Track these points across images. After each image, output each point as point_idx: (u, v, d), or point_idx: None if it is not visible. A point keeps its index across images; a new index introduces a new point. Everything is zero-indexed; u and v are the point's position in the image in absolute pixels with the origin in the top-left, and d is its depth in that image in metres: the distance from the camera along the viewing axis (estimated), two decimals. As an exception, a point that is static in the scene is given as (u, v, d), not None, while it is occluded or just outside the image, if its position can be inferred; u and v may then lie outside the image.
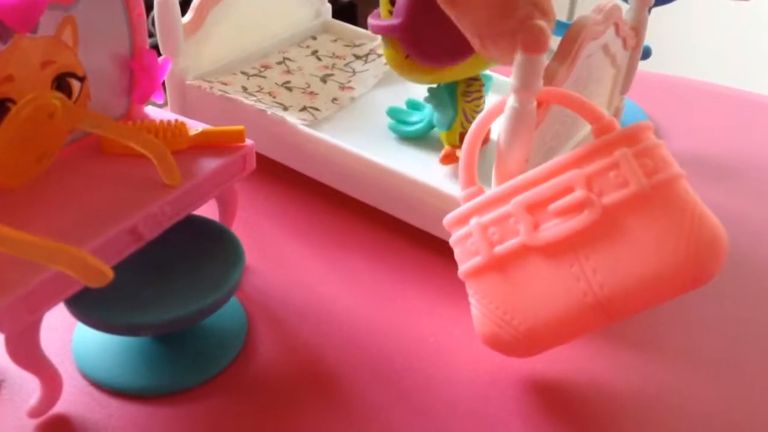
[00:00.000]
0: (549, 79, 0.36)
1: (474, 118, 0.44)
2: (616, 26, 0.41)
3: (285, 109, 0.49)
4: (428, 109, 0.48)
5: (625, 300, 0.32)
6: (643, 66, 0.55)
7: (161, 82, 0.40)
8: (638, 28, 0.44)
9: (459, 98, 0.44)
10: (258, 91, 0.50)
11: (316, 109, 0.49)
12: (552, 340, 0.34)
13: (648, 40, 0.48)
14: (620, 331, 0.40)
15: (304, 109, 0.49)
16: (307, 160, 0.47)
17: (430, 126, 0.48)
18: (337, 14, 0.60)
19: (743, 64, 1.07)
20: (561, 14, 1.44)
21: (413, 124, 0.48)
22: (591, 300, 0.32)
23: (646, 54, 0.53)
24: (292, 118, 0.46)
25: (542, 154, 0.40)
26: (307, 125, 0.46)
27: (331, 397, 0.36)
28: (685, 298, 0.35)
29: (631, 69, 0.46)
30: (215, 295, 0.35)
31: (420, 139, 0.48)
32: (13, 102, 0.33)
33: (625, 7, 0.45)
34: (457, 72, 0.43)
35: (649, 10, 0.50)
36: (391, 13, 0.42)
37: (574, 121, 0.43)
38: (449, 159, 0.45)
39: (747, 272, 0.45)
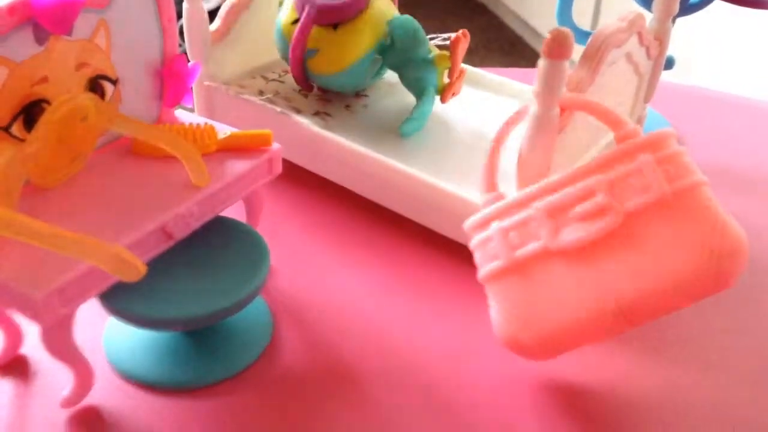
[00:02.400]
0: (572, 85, 0.37)
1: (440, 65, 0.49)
2: (640, 35, 0.41)
3: (298, 112, 0.50)
4: (421, 97, 0.49)
5: (645, 305, 0.32)
6: (667, 76, 0.55)
7: (191, 86, 0.41)
8: (661, 37, 0.45)
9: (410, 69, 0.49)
10: (274, 95, 0.51)
11: (328, 114, 0.50)
12: (571, 344, 0.35)
13: (673, 50, 0.49)
14: (641, 336, 0.40)
15: (317, 113, 0.50)
16: (326, 164, 0.48)
17: (431, 101, 0.50)
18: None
19: (768, 75, 1.06)
20: (585, 23, 1.44)
21: (414, 116, 0.49)
22: (611, 304, 0.33)
23: (670, 64, 0.53)
24: (304, 120, 0.47)
25: (564, 161, 0.40)
26: (319, 127, 0.47)
27: (353, 394, 0.36)
28: (707, 303, 0.35)
29: (654, 78, 0.47)
30: (241, 292, 0.35)
31: (434, 142, 0.49)
32: (48, 103, 0.34)
33: (648, 16, 0.45)
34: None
35: (674, 20, 0.50)
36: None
37: (599, 128, 0.43)
38: (446, 92, 0.50)
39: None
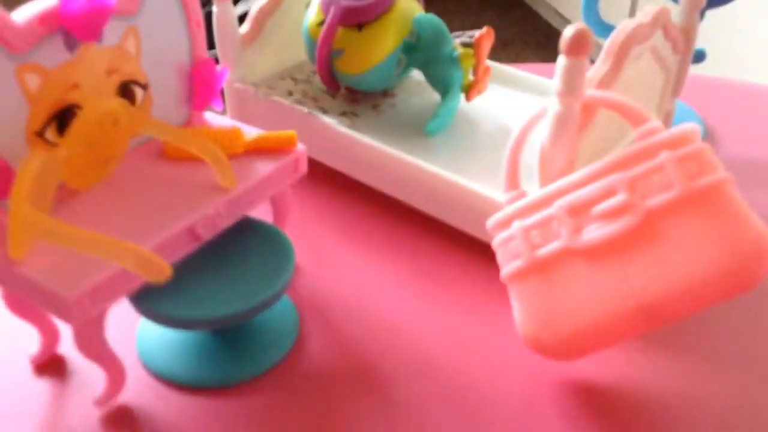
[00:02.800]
0: (594, 81, 0.37)
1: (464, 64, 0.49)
2: (665, 29, 0.41)
3: (325, 112, 0.50)
4: (446, 95, 0.50)
5: (668, 305, 0.32)
6: (698, 69, 0.54)
7: (219, 90, 0.42)
8: (689, 30, 0.44)
9: (434, 68, 0.49)
10: (303, 96, 0.52)
11: (355, 115, 0.51)
12: (594, 344, 0.35)
13: (705, 42, 0.48)
14: (666, 336, 0.39)
15: (343, 113, 0.51)
16: (352, 163, 0.48)
17: (457, 99, 0.50)
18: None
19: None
20: (622, 15, 1.42)
21: (439, 114, 0.49)
22: (633, 304, 0.32)
23: (700, 57, 0.52)
24: (330, 120, 0.48)
25: (588, 158, 0.40)
26: (345, 127, 0.48)
27: (378, 392, 0.37)
28: (736, 303, 0.34)
29: (682, 73, 0.46)
30: (267, 293, 0.36)
31: (460, 140, 0.49)
32: (80, 108, 0.35)
33: (675, 9, 0.45)
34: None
35: (703, 13, 0.49)
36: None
37: (626, 123, 0.43)
38: (471, 90, 0.50)
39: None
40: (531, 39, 1.93)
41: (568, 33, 0.33)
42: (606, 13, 0.51)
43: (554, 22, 2.00)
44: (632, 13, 1.32)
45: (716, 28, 0.69)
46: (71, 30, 0.33)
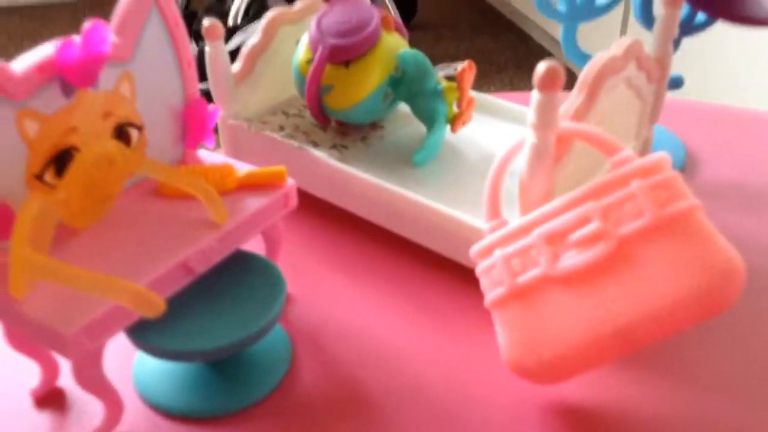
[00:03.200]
0: (569, 113, 0.38)
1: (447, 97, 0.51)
2: (638, 60, 0.42)
3: (315, 145, 0.52)
4: (432, 127, 0.51)
5: (644, 328, 0.33)
6: (680, 94, 0.56)
7: (212, 128, 0.44)
8: (663, 60, 0.46)
9: (419, 100, 0.51)
10: (294, 130, 0.54)
11: (345, 147, 0.52)
12: (576, 368, 0.36)
13: (686, 67, 0.49)
14: (646, 358, 0.41)
15: (334, 146, 0.52)
16: (342, 195, 0.50)
17: (442, 130, 0.52)
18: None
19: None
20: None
21: (425, 146, 0.51)
22: (610, 328, 0.34)
23: (677, 84, 0.54)
24: (321, 153, 0.49)
25: (568, 186, 0.41)
26: (335, 160, 0.49)
27: (370, 418, 0.38)
28: (717, 323, 0.35)
29: (658, 101, 0.47)
30: (258, 323, 0.38)
31: (447, 170, 0.51)
32: (78, 150, 0.37)
33: (649, 38, 0.46)
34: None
35: (678, 42, 0.51)
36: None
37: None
38: (456, 122, 0.52)
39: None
40: (525, 63, 1.96)
41: (540, 69, 0.34)
42: (595, 40, 0.53)
43: (547, 46, 2.03)
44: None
45: (697, 53, 0.71)
46: (68, 77, 0.34)
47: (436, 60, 2.01)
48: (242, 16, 1.85)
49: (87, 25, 0.34)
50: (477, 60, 1.98)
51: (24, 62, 0.34)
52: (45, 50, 0.35)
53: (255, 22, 1.69)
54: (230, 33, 1.68)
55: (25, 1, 2.52)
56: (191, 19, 1.95)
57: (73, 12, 2.45)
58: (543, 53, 2.00)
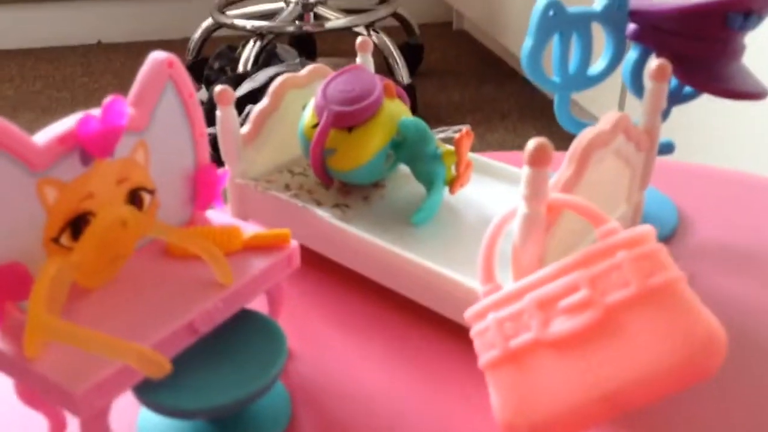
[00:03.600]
0: (559, 185, 0.40)
1: (445, 162, 0.53)
2: (626, 132, 0.44)
3: (319, 204, 0.54)
4: (431, 189, 0.53)
5: (629, 393, 0.35)
6: (672, 156, 0.58)
7: (220, 192, 0.46)
8: (651, 131, 0.48)
9: (419, 164, 0.53)
10: (299, 189, 0.56)
11: (347, 206, 0.55)
12: (565, 430, 0.37)
13: (677, 131, 0.51)
14: (633, 420, 0.42)
15: (336, 205, 0.55)
16: (344, 253, 0.52)
17: (440, 192, 0.53)
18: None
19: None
20: (611, 108, 1.47)
21: (424, 207, 0.53)
22: (598, 392, 0.35)
23: (668, 149, 0.56)
24: (323, 213, 0.52)
25: (560, 251, 0.43)
26: (337, 219, 0.51)
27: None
28: (702, 387, 0.36)
29: (647, 168, 0.50)
30: (260, 382, 0.39)
31: (445, 230, 0.53)
32: (93, 215, 0.39)
33: (638, 108, 0.49)
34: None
35: (666, 113, 0.54)
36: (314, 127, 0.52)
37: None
38: (454, 184, 0.54)
39: (770, 361, 0.46)
40: (527, 110, 2.00)
41: (530, 146, 0.36)
42: (596, 101, 0.55)
43: (549, 94, 2.07)
44: (621, 104, 1.38)
45: (688, 115, 0.73)
46: (87, 148, 0.37)
47: (441, 106, 2.04)
48: (252, 64, 1.89)
49: (106, 100, 0.37)
50: (481, 107, 2.01)
51: (46, 135, 0.36)
52: (66, 123, 0.37)
53: (264, 69, 1.73)
54: (240, 79, 1.72)
55: (40, 44, 2.58)
56: (202, 65, 2.01)
57: (84, 54, 2.51)
58: (545, 101, 2.04)
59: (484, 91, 2.11)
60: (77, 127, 0.36)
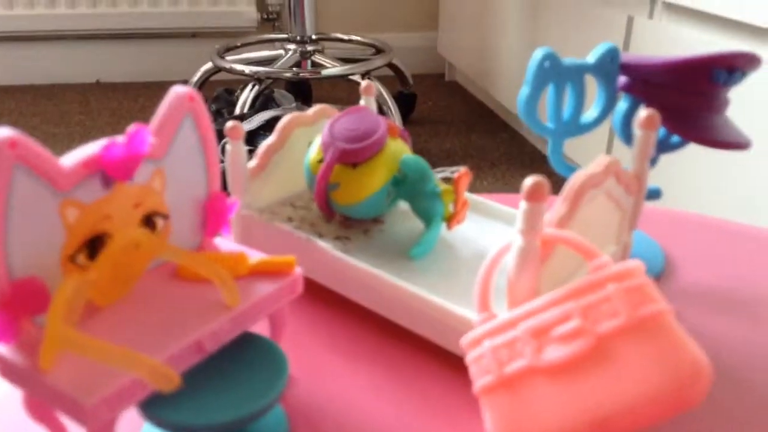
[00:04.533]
0: (553, 221, 0.43)
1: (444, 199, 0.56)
2: (617, 176, 0.47)
3: (320, 236, 0.56)
4: (429, 225, 0.55)
5: (619, 420, 0.36)
6: (660, 203, 0.61)
7: (229, 219, 0.48)
8: (640, 176, 0.51)
9: (418, 200, 0.55)
10: (301, 221, 0.58)
11: (348, 239, 0.57)
12: (556, 455, 0.38)
13: (665, 179, 0.54)
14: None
15: (337, 238, 0.57)
16: (345, 284, 0.54)
17: (438, 228, 0.55)
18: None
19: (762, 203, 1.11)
20: (599, 149, 1.52)
21: (422, 241, 0.55)
22: (588, 419, 0.37)
23: (656, 195, 0.59)
24: (325, 244, 0.54)
25: (552, 284, 0.45)
26: (338, 250, 0.53)
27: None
28: (687, 415, 0.38)
29: (636, 211, 0.52)
30: (263, 400, 0.40)
31: (442, 264, 0.55)
32: (109, 236, 0.40)
33: (624, 159, 0.51)
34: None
35: (655, 161, 0.56)
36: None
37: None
38: (451, 221, 0.56)
39: (751, 395, 0.48)
40: (516, 160, 2.04)
41: (528, 182, 0.39)
42: (585, 147, 0.58)
43: (537, 144, 2.12)
44: (609, 149, 1.42)
45: (675, 164, 0.76)
46: (109, 172, 0.39)
47: (432, 153, 2.08)
48: (249, 107, 1.93)
49: (131, 127, 0.39)
50: (471, 155, 2.06)
51: (72, 158, 0.38)
52: (91, 148, 0.39)
53: (260, 112, 1.77)
54: (237, 121, 1.76)
55: (39, 81, 2.62)
56: (200, 106, 2.04)
57: (81, 92, 2.54)
58: (533, 151, 2.09)
59: (474, 140, 2.16)
60: (102, 151, 0.39)
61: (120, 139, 0.39)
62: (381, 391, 0.48)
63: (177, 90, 0.43)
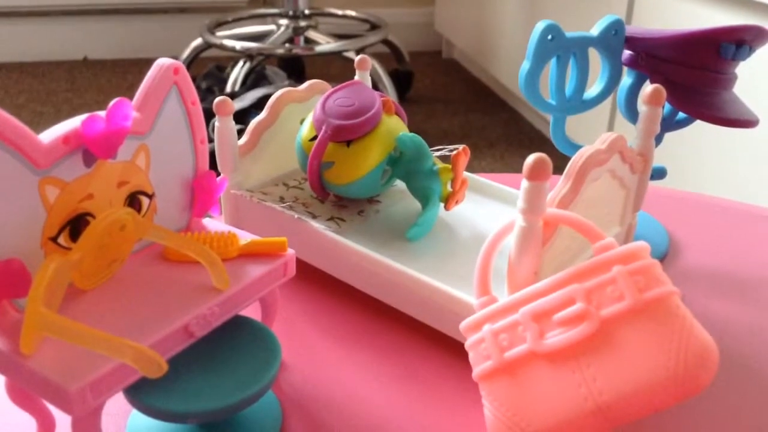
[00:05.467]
0: (555, 200, 0.41)
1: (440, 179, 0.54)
2: (621, 154, 0.45)
3: (314, 217, 0.54)
4: (427, 205, 0.54)
5: (623, 406, 0.35)
6: (664, 182, 0.59)
7: (218, 199, 0.46)
8: (645, 154, 0.49)
9: (416, 180, 0.53)
10: (294, 201, 0.56)
11: (342, 220, 0.55)
12: (558, 442, 0.37)
13: (669, 159, 0.52)
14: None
15: (331, 218, 0.55)
16: (338, 266, 0.52)
17: (436, 208, 0.54)
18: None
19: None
20: (602, 129, 1.50)
21: (420, 222, 0.53)
22: (591, 405, 0.35)
23: (661, 174, 0.57)
24: (318, 225, 0.52)
25: (554, 267, 0.44)
26: (332, 232, 0.51)
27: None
28: (692, 402, 0.37)
29: (640, 190, 0.50)
30: (255, 387, 0.39)
31: (439, 245, 0.53)
32: (92, 216, 0.39)
33: (632, 132, 0.50)
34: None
35: (660, 137, 0.55)
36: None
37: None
38: (449, 200, 0.54)
39: (757, 378, 0.47)
40: (515, 139, 2.02)
41: (529, 160, 0.37)
42: (585, 127, 0.56)
43: (537, 124, 2.09)
44: (610, 128, 1.40)
45: (680, 143, 0.75)
46: (91, 149, 0.37)
47: (429, 133, 2.06)
48: (240, 84, 1.90)
49: (112, 102, 0.37)
50: (469, 134, 2.04)
51: (51, 133, 0.37)
52: (71, 123, 0.37)
53: (252, 90, 1.74)
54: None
55: (26, 59, 2.58)
56: (192, 84, 2.01)
57: (68, 69, 2.50)
58: (533, 131, 2.07)
59: (472, 120, 2.14)
60: (82, 127, 0.37)
61: (102, 114, 0.37)
62: (377, 378, 0.47)
63: (161, 62, 0.41)
